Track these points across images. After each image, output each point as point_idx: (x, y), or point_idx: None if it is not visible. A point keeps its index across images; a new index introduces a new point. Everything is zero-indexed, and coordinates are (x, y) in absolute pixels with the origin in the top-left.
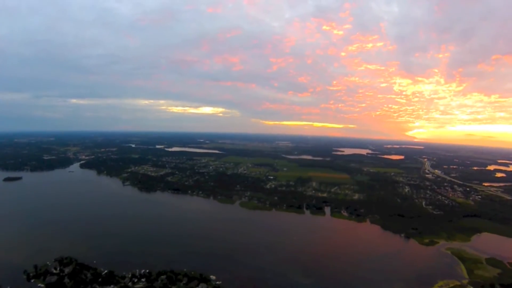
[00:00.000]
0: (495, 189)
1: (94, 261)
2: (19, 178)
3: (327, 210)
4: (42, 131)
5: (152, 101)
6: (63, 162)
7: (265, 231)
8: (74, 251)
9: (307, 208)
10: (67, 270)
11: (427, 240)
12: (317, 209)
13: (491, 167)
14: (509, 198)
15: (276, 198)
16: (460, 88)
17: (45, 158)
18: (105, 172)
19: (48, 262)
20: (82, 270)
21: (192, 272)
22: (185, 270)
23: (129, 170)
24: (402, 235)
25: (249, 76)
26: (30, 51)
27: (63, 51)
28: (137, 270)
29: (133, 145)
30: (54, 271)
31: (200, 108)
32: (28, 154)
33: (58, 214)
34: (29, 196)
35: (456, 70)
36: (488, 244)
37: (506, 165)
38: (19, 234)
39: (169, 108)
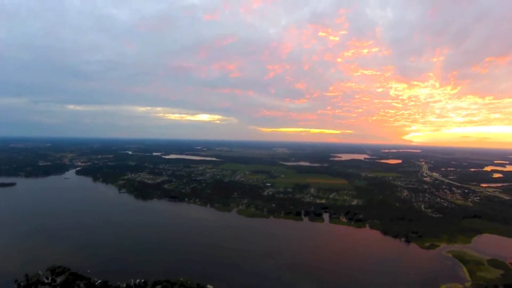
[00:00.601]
0: (493, 189)
1: (88, 271)
2: (13, 184)
3: (326, 216)
4: (39, 137)
5: (149, 108)
6: (59, 169)
7: (263, 238)
8: (67, 260)
9: (305, 215)
10: (59, 279)
11: (427, 244)
12: (316, 216)
13: (488, 168)
14: (508, 198)
15: (274, 205)
16: (455, 91)
17: (40, 164)
18: (101, 179)
19: (40, 271)
20: (75, 280)
21: (189, 282)
22: (181, 279)
23: (126, 177)
24: (403, 239)
25: (246, 83)
26: (28, 56)
27: (61, 56)
28: (132, 280)
29: (130, 152)
30: (46, 281)
31: (198, 115)
32: (24, 160)
33: (52, 221)
34: (23, 203)
35: (451, 73)
36: (489, 245)
37: (503, 165)
38: (10, 242)
39: (167, 115)
